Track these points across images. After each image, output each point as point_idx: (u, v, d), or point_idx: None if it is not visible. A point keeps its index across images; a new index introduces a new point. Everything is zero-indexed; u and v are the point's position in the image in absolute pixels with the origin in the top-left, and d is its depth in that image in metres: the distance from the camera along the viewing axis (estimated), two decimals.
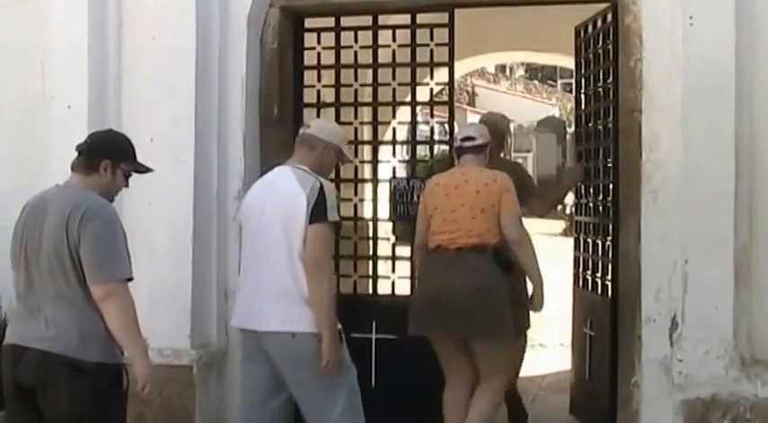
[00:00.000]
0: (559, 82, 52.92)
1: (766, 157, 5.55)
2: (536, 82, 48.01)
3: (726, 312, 5.43)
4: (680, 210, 5.59)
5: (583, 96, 7.05)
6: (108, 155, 3.97)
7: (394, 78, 6.71)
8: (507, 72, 52.03)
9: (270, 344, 4.44)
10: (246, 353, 4.66)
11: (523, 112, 37.48)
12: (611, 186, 6.36)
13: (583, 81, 7.02)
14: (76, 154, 4.04)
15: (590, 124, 6.86)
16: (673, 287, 5.62)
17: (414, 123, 6.91)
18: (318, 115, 6.75)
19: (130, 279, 3.86)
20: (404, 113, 6.87)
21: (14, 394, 3.84)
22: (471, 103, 40.97)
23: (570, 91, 54.86)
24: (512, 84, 46.98)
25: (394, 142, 7.00)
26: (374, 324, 6.32)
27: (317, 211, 4.37)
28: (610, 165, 6.39)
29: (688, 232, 5.54)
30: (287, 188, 4.48)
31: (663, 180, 5.72)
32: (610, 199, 6.38)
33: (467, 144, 5.55)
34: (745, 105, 5.49)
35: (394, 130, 6.92)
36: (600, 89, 6.62)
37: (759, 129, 5.54)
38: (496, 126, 6.47)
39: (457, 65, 7.04)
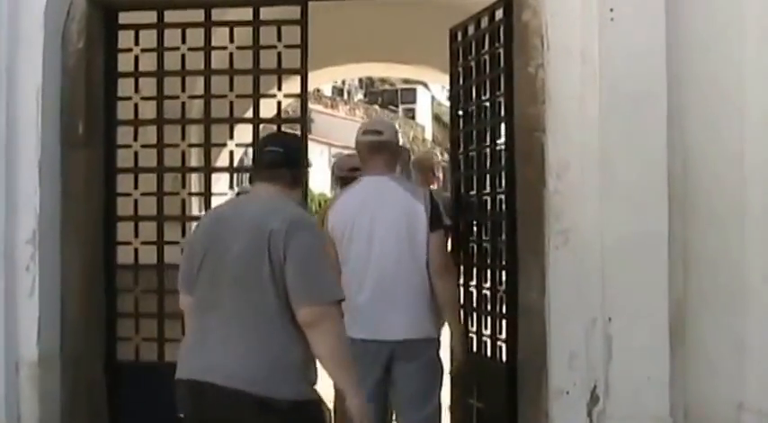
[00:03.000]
0: (401, 107, 52.98)
1: (701, 188, 4.65)
2: (377, 107, 47.65)
3: (660, 383, 4.57)
4: (599, 254, 4.64)
5: (461, 114, 6.01)
6: (301, 165, 3.94)
7: (231, 89, 5.56)
8: (345, 96, 51.73)
9: (402, 351, 4.72)
10: (366, 369, 4.47)
11: None
12: (503, 223, 5.34)
13: (461, 94, 5.98)
14: (259, 161, 3.80)
15: (471, 147, 5.82)
16: (591, 351, 4.72)
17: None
18: (136, 134, 5.54)
19: (342, 300, 3.61)
20: (244, 133, 5.66)
21: None
22: (308, 128, 40.32)
23: (413, 117, 55.66)
24: (351, 108, 46.65)
25: (231, 169, 5.74)
26: None
27: (436, 219, 4.78)
28: (502, 196, 5.37)
29: (611, 282, 4.60)
30: (401, 200, 4.79)
31: (575, 217, 4.77)
32: (503, 239, 5.36)
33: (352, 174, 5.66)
34: (679, 122, 4.58)
35: (231, 153, 5.67)
36: (486, 104, 5.61)
37: (693, 152, 4.65)
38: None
39: (310, 76, 5.96)
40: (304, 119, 5.42)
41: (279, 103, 5.50)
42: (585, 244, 4.70)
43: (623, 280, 4.60)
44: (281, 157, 3.76)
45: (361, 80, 57.19)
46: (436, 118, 61.84)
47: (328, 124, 41.05)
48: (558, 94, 4.81)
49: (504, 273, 5.36)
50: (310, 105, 44.56)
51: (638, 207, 4.58)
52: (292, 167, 3.78)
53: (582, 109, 4.72)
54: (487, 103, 5.59)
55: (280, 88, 5.49)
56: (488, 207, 5.59)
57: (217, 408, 3.47)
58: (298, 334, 3.48)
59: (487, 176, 5.63)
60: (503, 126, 5.36)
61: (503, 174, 5.38)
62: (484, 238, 5.65)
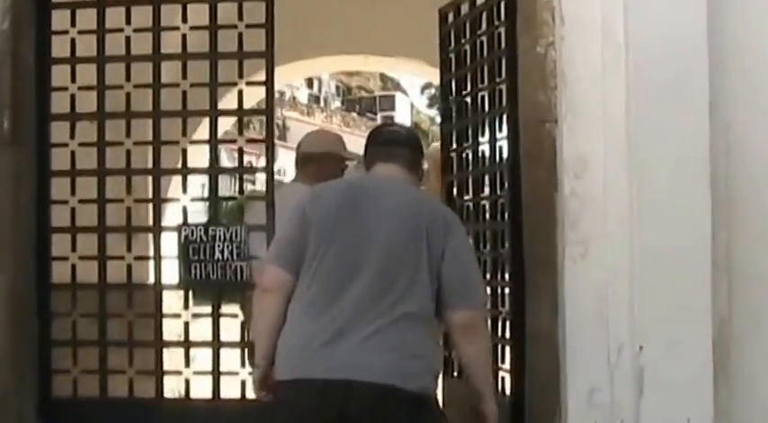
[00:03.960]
0: (380, 114, 52.37)
1: (750, 193, 3.92)
2: (354, 114, 47.07)
3: None
4: (626, 269, 3.88)
5: (454, 106, 5.24)
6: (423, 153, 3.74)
7: (185, 77, 4.74)
8: (322, 103, 51.17)
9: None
10: None
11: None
12: (505, 233, 4.58)
13: (453, 84, 5.21)
14: (390, 140, 3.61)
15: (466, 144, 5.05)
16: (617, 386, 3.95)
17: (214, 144, 4.88)
18: (73, 131, 4.76)
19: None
20: (200, 129, 4.85)
21: None
22: (282, 137, 39.88)
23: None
24: (327, 116, 46.19)
25: (185, 171, 4.94)
26: None
27: None
28: (503, 201, 4.61)
29: (642, 303, 3.83)
30: None
31: (596, 225, 4.00)
32: (505, 251, 4.59)
33: None
34: (723, 113, 3.83)
35: (184, 153, 4.87)
36: (483, 93, 4.85)
37: (740, 149, 3.91)
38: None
39: (278, 71, 5.21)
40: (270, 109, 4.63)
41: (240, 93, 4.71)
42: (609, 257, 3.94)
43: (657, 301, 3.84)
44: (402, 136, 3.65)
45: (338, 87, 56.65)
46: (416, 126, 61.36)
47: (303, 131, 40.02)
48: (574, 78, 4.05)
49: (507, 291, 4.60)
50: (285, 112, 44.18)
51: (674, 213, 3.83)
52: (418, 153, 3.63)
53: (604, 95, 3.96)
54: (485, 93, 4.84)
55: (241, 76, 4.70)
56: (487, 214, 4.82)
57: (367, 408, 3.19)
58: (434, 328, 3.41)
59: (486, 178, 4.87)
60: (504, 118, 4.60)
61: (504, 174, 4.62)
62: (482, 249, 4.88)
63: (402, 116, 56.21)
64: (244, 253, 4.66)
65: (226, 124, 6.10)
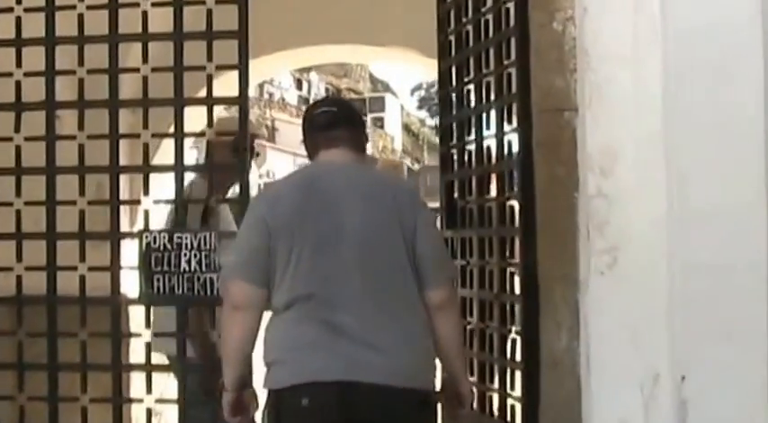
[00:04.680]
0: (369, 116, 51.87)
1: None
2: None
3: None
4: (664, 283, 3.27)
5: (454, 95, 4.63)
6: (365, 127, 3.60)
7: (146, 61, 4.15)
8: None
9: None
10: None
11: None
12: (515, 240, 3.98)
13: (453, 70, 4.61)
14: (330, 123, 3.37)
15: (469, 138, 4.45)
16: (653, 422, 3.30)
17: (180, 137, 4.26)
18: (18, 123, 4.18)
19: None
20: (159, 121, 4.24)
21: None
22: (271, 138, 39.37)
23: (382, 126, 54.55)
24: None
25: (146, 169, 4.30)
26: None
27: None
28: (513, 203, 4.00)
29: (685, 325, 3.22)
30: None
31: (628, 230, 3.39)
32: (515, 261, 4.00)
33: None
34: None
35: (146, 148, 4.23)
36: (489, 79, 4.24)
37: None
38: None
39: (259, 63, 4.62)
40: (244, 98, 4.01)
41: (209, 78, 4.07)
42: (644, 268, 3.34)
43: (701, 322, 3.23)
44: (341, 116, 3.42)
45: (327, 89, 56.13)
46: (405, 128, 60.93)
47: (293, 133, 39.73)
48: (599, 58, 3.44)
49: (517, 307, 3.99)
50: (274, 114, 43.63)
51: (722, 217, 3.21)
52: (361, 130, 3.49)
53: (636, 78, 3.36)
54: (491, 78, 4.22)
55: (210, 58, 4.07)
56: (494, 218, 4.22)
57: (374, 409, 3.09)
58: (426, 316, 3.25)
59: (492, 176, 4.27)
60: (514, 107, 3.99)
61: (515, 172, 4.01)
62: (488, 258, 4.27)
63: (392, 118, 55.69)
64: (214, 263, 4.04)
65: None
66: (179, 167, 4.10)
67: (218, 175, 4.25)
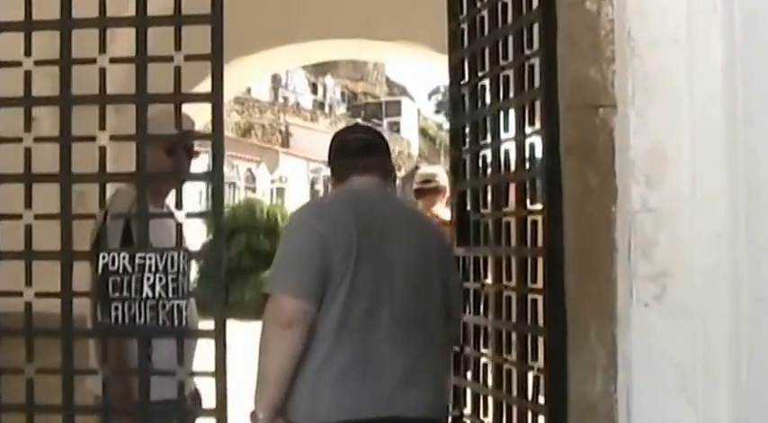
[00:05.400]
0: (385, 120, 51.33)
1: None
2: (359, 120, 46.23)
3: None
4: (726, 318, 2.66)
5: (467, 92, 4.01)
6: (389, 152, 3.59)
7: (103, 50, 3.50)
8: (326, 109, 50.09)
9: None
10: None
11: None
12: (538, 261, 3.36)
13: (467, 62, 4.00)
14: (364, 150, 3.41)
15: (484, 142, 3.84)
16: None
17: (141, 138, 3.63)
18: None
19: None
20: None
21: None
22: (285, 143, 38.94)
23: (398, 131, 53.89)
24: (332, 122, 45.21)
25: (105, 178, 3.67)
26: None
27: None
28: (537, 218, 3.39)
29: (753, 369, 2.60)
30: None
31: (679, 252, 2.77)
32: (538, 286, 3.41)
33: (426, 186, 6.05)
34: None
35: (103, 152, 3.61)
36: (507, 72, 3.64)
37: None
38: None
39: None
40: (218, 93, 3.39)
41: (177, 70, 3.45)
42: (700, 299, 2.72)
43: None
44: (371, 144, 3.48)
45: (343, 93, 55.62)
46: (422, 132, 60.37)
47: (307, 138, 39.26)
48: (646, 42, 2.84)
49: (541, 341, 3.37)
50: (288, 118, 43.08)
51: None
52: (382, 156, 3.47)
53: (691, 67, 2.74)
54: (510, 71, 3.60)
55: (179, 47, 3.45)
56: (513, 235, 3.60)
57: None
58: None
59: (512, 186, 3.65)
60: (538, 104, 3.37)
61: (537, 181, 3.40)
62: (506, 282, 3.66)
63: (408, 122, 55.10)
64: (182, 288, 3.43)
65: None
66: (140, 174, 3.48)
67: (152, 183, 3.67)
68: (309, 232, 3.14)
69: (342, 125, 45.67)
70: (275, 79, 47.33)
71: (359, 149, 3.41)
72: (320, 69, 55.13)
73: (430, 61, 6.79)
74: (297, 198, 31.85)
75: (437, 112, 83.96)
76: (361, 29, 6.46)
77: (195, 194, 27.73)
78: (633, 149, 2.82)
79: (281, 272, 3.17)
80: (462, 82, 4.07)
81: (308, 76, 52.15)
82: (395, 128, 50.37)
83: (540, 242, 3.37)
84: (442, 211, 5.57)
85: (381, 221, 3.23)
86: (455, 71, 4.13)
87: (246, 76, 7.09)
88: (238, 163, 30.84)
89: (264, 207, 22.12)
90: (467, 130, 4.02)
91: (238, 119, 40.52)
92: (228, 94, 8.17)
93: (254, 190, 30.96)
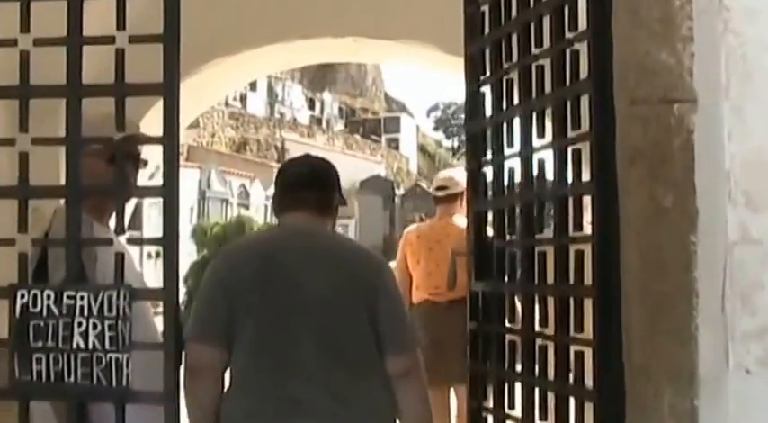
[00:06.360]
0: (384, 137, 50.69)
1: None
2: (357, 136, 45.70)
3: None
4: None
5: (488, 90, 3.26)
6: (338, 188, 3.45)
7: (26, 29, 2.76)
8: (324, 125, 49.44)
9: None
10: None
11: (343, 170, 34.56)
12: (583, 304, 2.63)
13: (486, 53, 3.26)
14: (298, 184, 3.33)
15: (511, 151, 3.10)
16: None
17: (74, 143, 2.86)
18: None
19: None
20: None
21: None
22: (281, 159, 38.34)
23: (397, 147, 53.24)
24: (329, 138, 44.56)
25: (23, 192, 2.89)
26: None
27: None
28: (583, 248, 2.65)
29: None
30: None
31: None
32: (585, 336, 2.68)
33: (440, 194, 6.03)
34: None
35: (24, 159, 2.84)
36: (542, 62, 2.89)
37: None
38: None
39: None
40: (170, 85, 2.63)
41: (120, 55, 2.68)
42: None
43: None
44: (307, 178, 3.35)
45: (341, 109, 55.02)
46: (421, 149, 59.73)
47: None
48: (740, 13, 2.09)
49: (589, 408, 2.61)
50: (285, 134, 42.43)
51: None
52: (330, 192, 3.36)
53: None
54: (547, 60, 2.85)
55: (122, 26, 2.68)
56: (551, 267, 2.84)
57: None
58: (389, 387, 3.18)
59: (545, 207, 2.91)
60: (584, 100, 2.62)
61: (584, 199, 2.65)
62: (541, 328, 2.90)
63: (408, 138, 54.48)
64: (123, 337, 2.67)
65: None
66: (72, 187, 2.71)
67: (93, 199, 2.93)
68: (214, 279, 3.17)
69: (339, 141, 45.22)
70: (271, 94, 46.72)
71: (293, 184, 3.37)
72: (318, 85, 54.58)
73: (435, 63, 6.06)
74: None
75: (436, 128, 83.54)
76: (358, 26, 5.69)
77: (186, 212, 27.02)
78: (728, 159, 2.07)
79: (190, 319, 3.12)
80: (482, 77, 3.32)
81: (305, 91, 51.53)
82: (394, 144, 49.71)
83: (588, 279, 2.62)
84: (462, 220, 4.87)
85: (295, 261, 3.17)
86: (473, 64, 3.38)
87: (227, 79, 6.30)
88: (232, 179, 30.08)
89: (256, 225, 21.32)
90: (488, 135, 3.26)
91: (233, 134, 39.85)
92: (208, 101, 7.42)
93: (247, 206, 30.16)
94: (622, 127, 2.41)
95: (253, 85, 44.43)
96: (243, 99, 43.51)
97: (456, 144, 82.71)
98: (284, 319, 3.07)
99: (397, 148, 51.06)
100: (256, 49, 5.73)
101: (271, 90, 46.54)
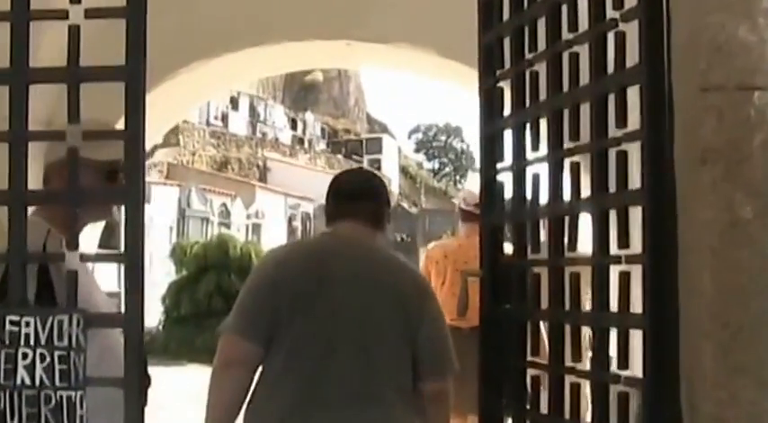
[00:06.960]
0: (366, 158, 50.40)
1: None
2: (340, 156, 45.48)
3: None
4: None
5: (509, 83, 2.83)
6: (389, 204, 3.47)
7: None
8: (306, 144, 49.06)
9: None
10: None
11: (325, 190, 34.32)
12: (633, 337, 2.19)
13: (511, 40, 2.84)
14: (353, 195, 3.32)
15: (535, 155, 2.66)
16: None
17: (20, 141, 2.41)
18: None
19: None
20: None
21: None
22: (262, 178, 37.85)
23: (379, 168, 52.86)
24: (311, 158, 44.17)
25: None
26: None
27: None
28: (629, 269, 2.22)
29: None
30: None
31: None
32: (632, 375, 2.22)
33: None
34: None
35: None
36: (577, 49, 2.47)
37: None
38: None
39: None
40: (134, 69, 2.18)
41: (73, 33, 2.23)
42: None
43: None
44: (366, 189, 3.37)
45: (323, 129, 54.72)
46: (403, 170, 59.50)
47: (285, 173, 38.22)
48: None
49: None
50: (266, 153, 41.97)
51: None
52: (384, 206, 3.37)
53: None
54: (582, 47, 2.42)
55: None
56: (586, 298, 2.41)
57: None
58: (417, 407, 3.14)
59: (580, 222, 2.47)
60: (633, 92, 2.20)
61: (631, 210, 2.22)
62: (574, 363, 2.46)
63: (389, 159, 54.25)
64: (77, 370, 2.21)
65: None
66: (15, 192, 2.25)
67: (60, 213, 2.51)
68: (263, 276, 3.20)
69: (321, 161, 44.81)
70: (254, 114, 46.36)
71: (348, 194, 3.36)
72: (300, 105, 54.28)
73: (430, 68, 5.65)
74: (274, 235, 30.59)
75: (417, 150, 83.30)
76: (346, 28, 5.25)
77: (165, 231, 26.47)
78: None
79: (232, 313, 3.14)
80: (499, 71, 2.88)
81: (287, 111, 51.17)
82: (375, 165, 49.37)
83: (636, 306, 2.18)
84: None
85: (346, 271, 3.14)
86: (488, 56, 2.96)
87: (206, 84, 5.84)
88: (212, 197, 29.56)
89: (238, 244, 20.76)
90: (506, 138, 2.82)
91: (214, 153, 39.39)
92: (184, 110, 6.99)
93: (228, 226, 29.64)
94: (688, 121, 1.99)
95: (235, 105, 44.03)
96: (224, 118, 43.09)
97: (437, 166, 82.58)
98: (326, 327, 3.06)
99: (379, 168, 50.74)
100: (239, 52, 5.29)
101: (253, 109, 46.09)
